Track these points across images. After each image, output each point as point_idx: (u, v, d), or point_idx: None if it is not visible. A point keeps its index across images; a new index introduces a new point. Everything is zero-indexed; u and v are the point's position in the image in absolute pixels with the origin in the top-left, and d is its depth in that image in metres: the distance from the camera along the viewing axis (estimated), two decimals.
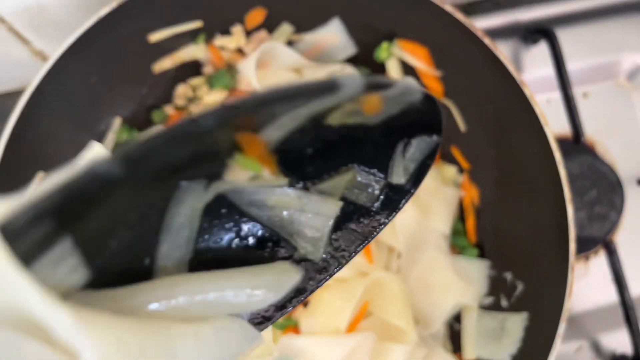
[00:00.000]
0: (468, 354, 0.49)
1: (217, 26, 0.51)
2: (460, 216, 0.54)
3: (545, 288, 0.45)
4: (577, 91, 0.61)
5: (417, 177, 0.30)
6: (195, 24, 0.50)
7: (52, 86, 0.45)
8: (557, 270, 0.43)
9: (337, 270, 0.29)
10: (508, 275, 0.50)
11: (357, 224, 0.29)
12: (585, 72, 0.62)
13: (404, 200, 0.30)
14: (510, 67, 0.44)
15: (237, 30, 0.51)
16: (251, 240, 0.27)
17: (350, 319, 0.45)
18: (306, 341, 0.45)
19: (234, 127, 0.24)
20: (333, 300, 0.46)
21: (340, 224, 0.28)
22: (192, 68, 0.52)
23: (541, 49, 0.59)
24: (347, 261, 0.29)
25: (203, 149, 0.24)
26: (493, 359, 0.47)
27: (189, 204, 0.25)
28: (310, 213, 0.27)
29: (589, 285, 0.59)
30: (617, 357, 0.58)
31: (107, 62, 0.48)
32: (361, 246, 0.29)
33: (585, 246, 0.59)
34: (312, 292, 0.28)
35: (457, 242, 0.53)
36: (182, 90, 0.52)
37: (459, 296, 0.49)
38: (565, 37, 0.59)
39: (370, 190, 0.29)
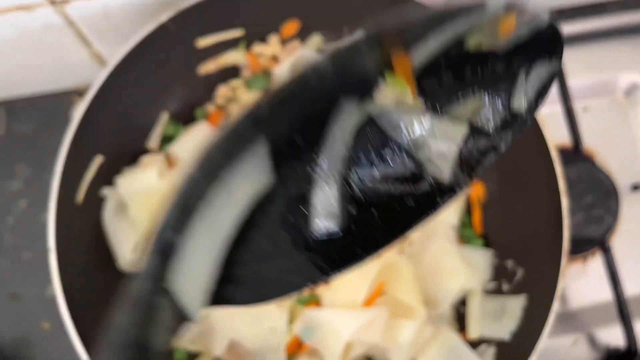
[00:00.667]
0: (472, 332, 0.53)
1: (256, 35, 0.57)
2: (468, 210, 0.59)
3: (542, 273, 0.50)
4: (578, 105, 0.66)
5: (534, 104, 0.31)
6: (238, 32, 0.56)
7: (112, 84, 0.51)
8: (552, 256, 0.48)
9: (461, 191, 0.32)
10: (509, 263, 0.55)
11: (477, 150, 0.31)
12: (586, 89, 0.67)
13: (521, 128, 0.31)
14: None
15: (274, 39, 0.58)
16: (391, 163, 0.30)
17: (366, 295, 0.50)
18: (327, 313, 0.50)
19: (389, 45, 0.30)
20: (351, 278, 0.51)
21: (461, 149, 0.31)
22: (231, 71, 0.59)
23: None
24: (469, 184, 0.32)
25: (361, 67, 0.30)
26: (494, 336, 0.52)
27: (344, 122, 0.29)
28: (440, 137, 0.30)
29: (586, 284, 0.64)
30: (611, 350, 0.62)
31: (160, 64, 0.54)
32: (480, 172, 0.31)
33: (583, 247, 0.64)
34: (439, 208, 0.32)
35: (464, 233, 0.58)
36: (223, 91, 0.58)
37: (465, 281, 0.54)
38: (567, 56, 0.64)
39: (491, 118, 0.31)
